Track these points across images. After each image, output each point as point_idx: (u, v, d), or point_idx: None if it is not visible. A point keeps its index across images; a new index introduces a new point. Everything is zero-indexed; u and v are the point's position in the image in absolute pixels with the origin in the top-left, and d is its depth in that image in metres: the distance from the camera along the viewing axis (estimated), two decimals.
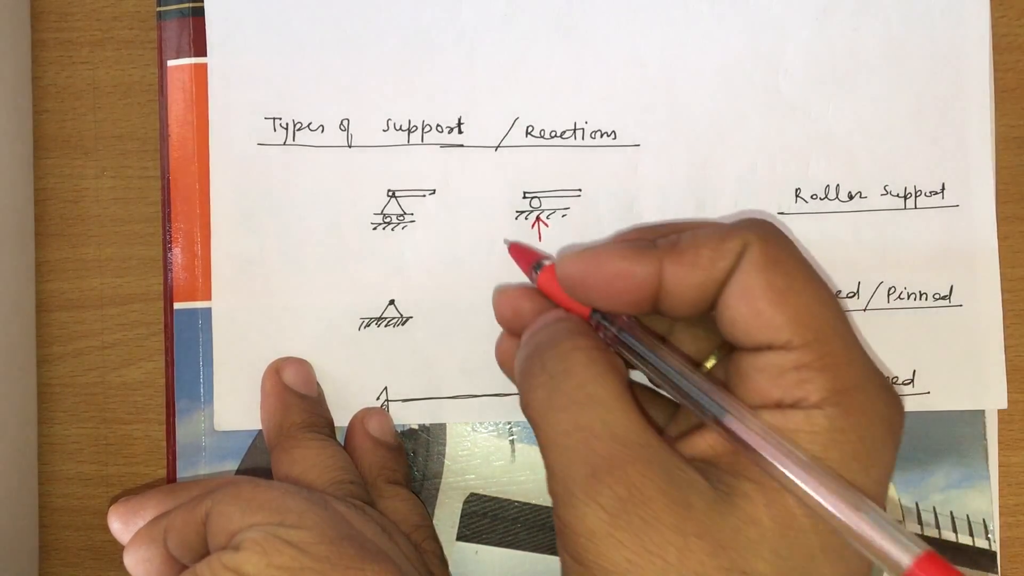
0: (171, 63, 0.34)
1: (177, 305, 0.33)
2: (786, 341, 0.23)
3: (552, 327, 0.26)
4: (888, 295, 0.33)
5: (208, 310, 0.33)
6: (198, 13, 0.33)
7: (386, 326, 0.33)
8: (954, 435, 0.34)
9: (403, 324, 0.33)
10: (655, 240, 0.25)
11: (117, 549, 0.29)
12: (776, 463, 0.22)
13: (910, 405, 0.33)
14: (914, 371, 0.33)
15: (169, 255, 0.34)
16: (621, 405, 0.24)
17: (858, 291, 0.33)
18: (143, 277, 0.35)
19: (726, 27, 0.33)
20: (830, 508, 0.21)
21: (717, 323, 0.24)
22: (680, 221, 0.29)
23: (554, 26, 0.33)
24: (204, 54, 0.33)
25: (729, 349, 0.25)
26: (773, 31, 0.33)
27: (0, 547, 0.32)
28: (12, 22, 0.34)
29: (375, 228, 0.33)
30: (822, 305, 0.23)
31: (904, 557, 0.21)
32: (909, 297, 0.33)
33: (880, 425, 0.23)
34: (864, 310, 0.33)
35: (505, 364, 0.30)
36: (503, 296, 0.29)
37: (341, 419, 0.33)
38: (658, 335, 0.27)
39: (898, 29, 0.34)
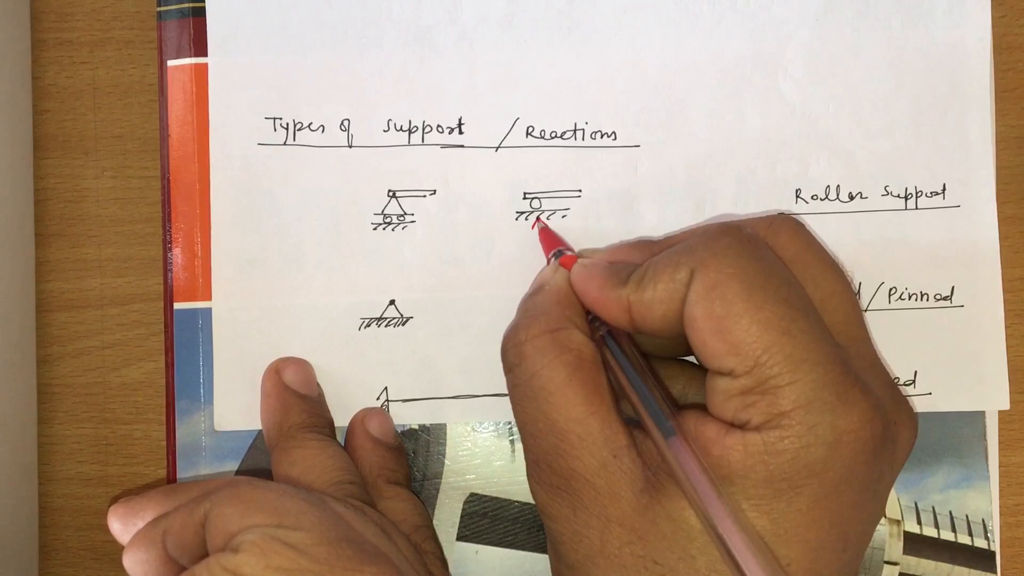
0: (171, 63, 0.34)
1: (177, 305, 0.33)
2: (730, 369, 0.24)
3: (516, 318, 0.28)
4: (889, 296, 0.33)
5: (208, 310, 0.33)
6: (198, 13, 0.33)
7: (386, 326, 0.33)
8: (954, 435, 0.34)
9: (403, 324, 0.33)
10: (630, 275, 0.27)
11: (117, 549, 0.29)
12: (697, 498, 0.24)
13: None
14: (915, 372, 0.33)
15: (169, 255, 0.34)
16: (566, 394, 0.26)
17: (859, 292, 0.33)
18: (143, 277, 0.35)
19: (726, 27, 0.33)
20: (738, 560, 0.23)
21: None
22: (677, 234, 0.29)
23: (554, 27, 0.33)
24: (204, 54, 0.33)
25: None
26: (773, 31, 0.33)
27: (0, 547, 0.32)
28: (12, 22, 0.34)
29: (375, 228, 0.33)
30: (763, 327, 0.23)
31: None
32: (910, 298, 0.33)
33: (820, 446, 0.23)
34: (865, 311, 0.33)
35: None
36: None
37: (341, 419, 0.33)
38: (640, 350, 0.28)
39: (898, 29, 0.33)
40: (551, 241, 0.32)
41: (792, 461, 0.23)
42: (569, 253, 0.31)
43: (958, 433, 0.34)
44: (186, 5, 0.33)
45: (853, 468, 0.24)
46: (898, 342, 0.33)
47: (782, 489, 0.23)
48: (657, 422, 0.25)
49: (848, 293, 0.27)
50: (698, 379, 0.29)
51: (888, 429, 0.24)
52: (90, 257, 0.35)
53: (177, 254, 0.33)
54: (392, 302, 0.33)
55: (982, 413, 0.34)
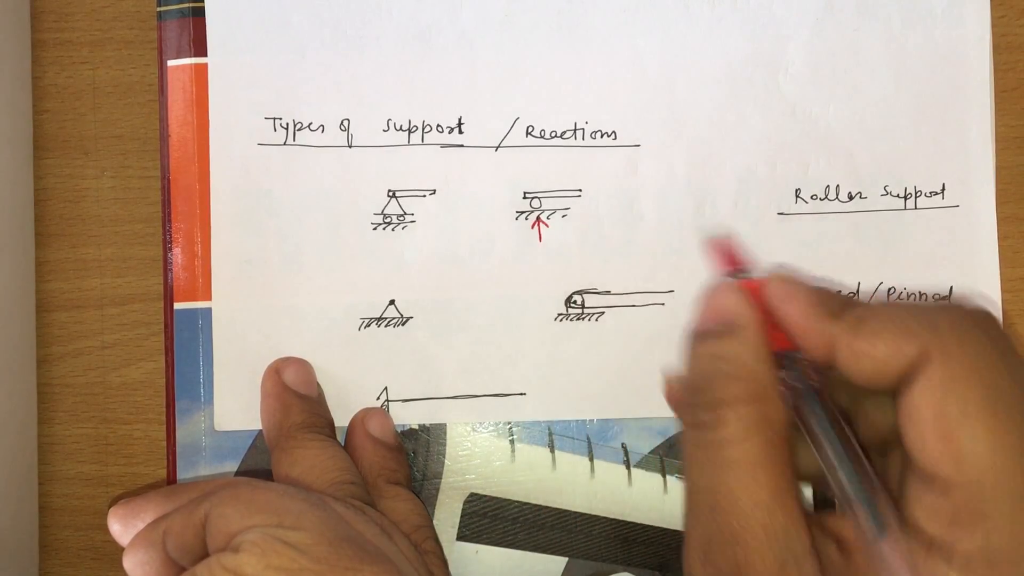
0: (171, 63, 0.34)
1: (177, 305, 0.33)
2: (945, 475, 0.21)
3: (712, 360, 0.24)
4: (888, 295, 0.33)
5: (208, 310, 0.33)
6: (198, 13, 0.33)
7: (386, 326, 0.33)
8: None
9: (403, 324, 0.33)
10: (844, 309, 0.23)
11: (117, 549, 0.29)
12: None
13: None
14: None
15: (169, 255, 0.34)
16: (759, 475, 0.22)
17: (858, 291, 0.33)
18: (143, 277, 0.35)
19: (727, 27, 0.33)
20: None
21: None
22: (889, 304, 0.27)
23: (554, 26, 0.33)
24: (204, 54, 0.33)
25: None
26: (774, 31, 0.33)
27: (0, 547, 0.32)
28: (12, 22, 0.34)
29: (375, 228, 0.34)
30: (997, 447, 0.21)
31: None
32: (909, 297, 0.33)
33: None
34: None
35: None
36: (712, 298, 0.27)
37: (341, 419, 0.33)
38: (843, 411, 0.24)
39: (899, 29, 0.33)
40: (727, 257, 0.26)
41: None
42: (748, 277, 0.25)
43: None
44: (186, 5, 0.33)
45: None
46: None
47: None
48: (870, 518, 0.22)
49: None
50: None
51: None
52: (90, 257, 0.35)
53: (177, 254, 0.33)
54: (392, 302, 0.33)
55: None
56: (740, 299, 0.24)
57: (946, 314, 0.22)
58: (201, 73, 0.33)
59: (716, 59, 0.33)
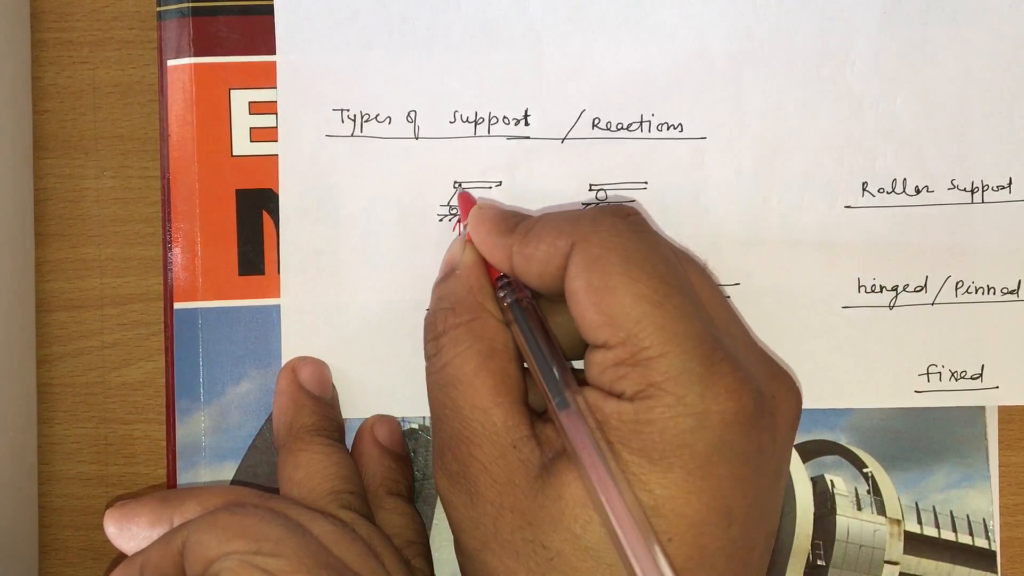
0: (171, 63, 0.34)
1: (177, 305, 0.33)
2: (604, 340, 0.25)
3: (432, 306, 0.29)
4: (956, 289, 0.33)
5: (207, 310, 0.33)
6: (198, 13, 0.33)
7: None
8: (954, 435, 0.34)
9: None
10: (518, 225, 0.28)
11: (117, 550, 0.29)
12: (583, 464, 0.24)
13: (978, 400, 0.34)
14: (983, 365, 0.33)
15: (169, 255, 0.34)
16: (476, 384, 0.26)
17: (926, 285, 0.33)
18: (143, 277, 0.35)
19: (794, 19, 0.33)
20: (616, 530, 0.23)
21: None
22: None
23: (621, 19, 0.33)
24: (204, 54, 0.33)
25: None
26: (841, 24, 0.33)
27: (0, 547, 0.32)
28: (12, 22, 0.34)
29: (441, 220, 0.34)
30: (638, 300, 0.24)
31: None
32: (977, 291, 0.33)
33: (688, 416, 0.24)
34: (932, 304, 0.33)
35: None
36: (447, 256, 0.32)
37: (408, 411, 0.33)
38: (544, 324, 0.28)
39: (966, 23, 0.34)
40: (466, 208, 0.31)
41: (663, 431, 0.24)
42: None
43: (958, 433, 0.34)
44: (186, 5, 0.33)
45: (724, 439, 0.24)
46: (965, 335, 0.33)
47: (655, 460, 0.24)
48: (553, 393, 0.25)
49: (706, 277, 0.28)
50: None
51: (762, 402, 0.25)
52: (90, 257, 0.35)
53: (177, 254, 0.33)
54: None
55: (983, 412, 0.34)
56: (461, 245, 0.30)
57: (589, 211, 0.27)
58: (200, 73, 0.33)
59: (783, 51, 0.34)
